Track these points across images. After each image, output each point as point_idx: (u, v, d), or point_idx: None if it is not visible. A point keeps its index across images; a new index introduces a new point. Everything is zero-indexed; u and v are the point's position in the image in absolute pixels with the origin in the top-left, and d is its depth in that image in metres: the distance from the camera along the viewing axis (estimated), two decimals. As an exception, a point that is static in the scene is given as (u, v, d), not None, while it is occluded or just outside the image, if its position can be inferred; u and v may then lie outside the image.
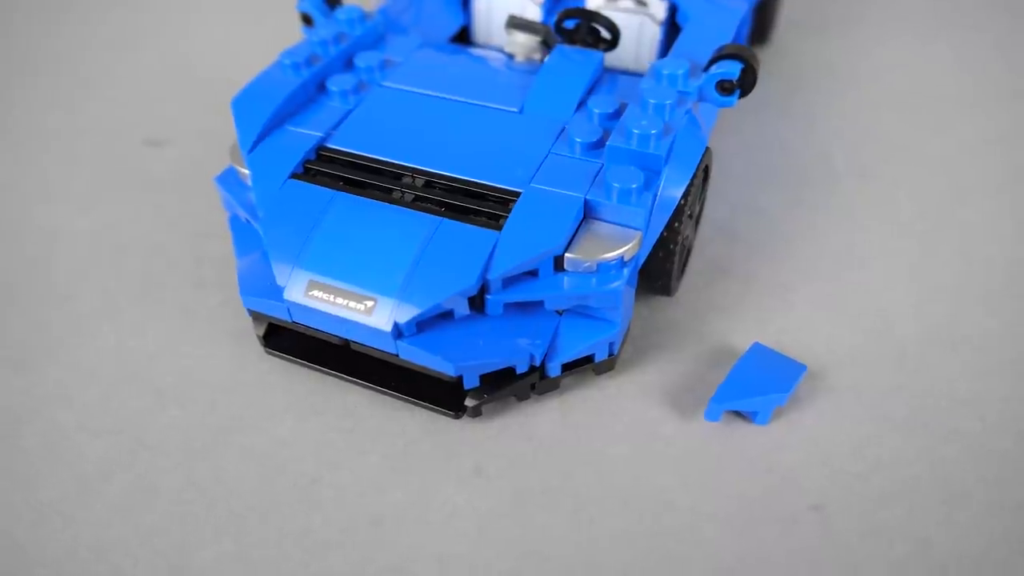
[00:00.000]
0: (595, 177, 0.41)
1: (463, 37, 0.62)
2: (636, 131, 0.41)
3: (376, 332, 0.39)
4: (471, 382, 0.41)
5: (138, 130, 0.65)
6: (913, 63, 0.71)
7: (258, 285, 0.43)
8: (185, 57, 0.74)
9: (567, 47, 0.49)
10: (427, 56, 0.52)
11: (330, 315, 0.40)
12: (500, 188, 0.42)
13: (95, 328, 0.49)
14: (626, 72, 0.54)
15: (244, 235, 0.47)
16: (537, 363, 0.41)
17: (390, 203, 0.42)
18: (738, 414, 0.43)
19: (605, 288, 0.40)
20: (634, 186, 0.40)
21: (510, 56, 0.54)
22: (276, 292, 0.42)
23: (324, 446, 0.42)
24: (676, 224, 0.44)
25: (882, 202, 0.56)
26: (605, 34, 0.50)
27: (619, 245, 0.40)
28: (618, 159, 0.41)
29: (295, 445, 0.43)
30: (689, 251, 0.51)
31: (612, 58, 0.59)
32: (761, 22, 0.70)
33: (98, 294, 0.51)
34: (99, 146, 0.64)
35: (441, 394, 0.43)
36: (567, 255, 0.39)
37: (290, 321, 0.42)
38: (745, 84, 0.45)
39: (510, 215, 0.40)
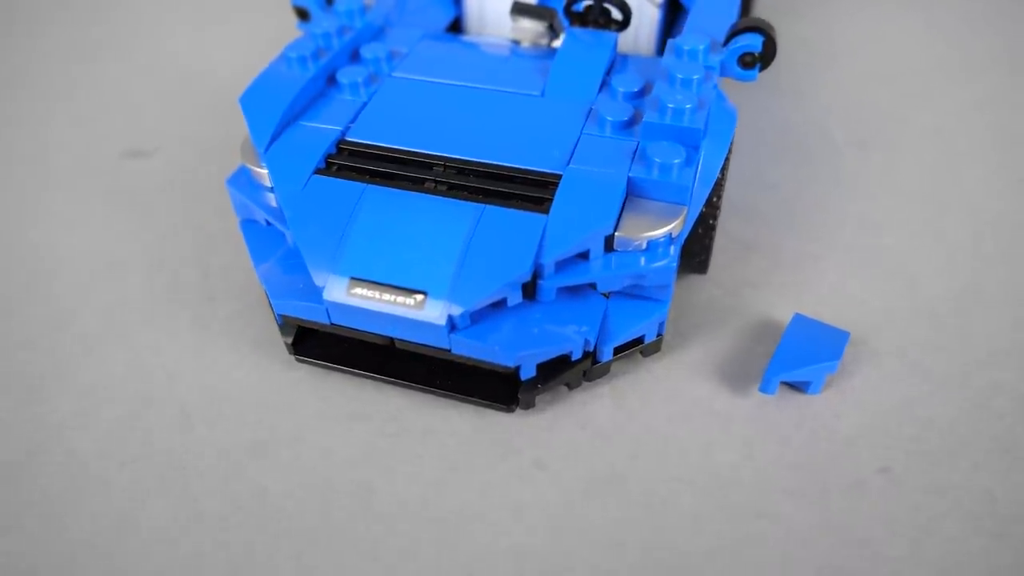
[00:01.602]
0: (634, 155, 0.41)
1: (455, 30, 0.61)
2: (671, 105, 0.40)
3: (428, 327, 0.37)
4: (528, 372, 0.39)
5: (117, 142, 0.61)
6: (887, 36, 0.72)
7: (289, 288, 0.40)
8: (155, 63, 0.70)
9: (580, 29, 0.49)
10: (434, 46, 0.50)
11: (375, 313, 0.38)
12: (538, 172, 0.40)
13: (105, 349, 0.46)
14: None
15: (260, 239, 0.45)
16: (591, 348, 0.40)
17: (426, 192, 0.40)
18: (789, 385, 0.43)
19: (656, 266, 0.39)
20: (676, 161, 0.39)
21: (516, 42, 0.53)
22: (311, 294, 0.40)
23: (373, 453, 0.40)
24: (715, 199, 0.44)
25: (886, 171, 0.57)
26: (617, 15, 0.50)
27: (667, 222, 0.39)
28: (655, 135, 0.41)
29: (341, 454, 0.40)
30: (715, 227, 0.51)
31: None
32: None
33: (103, 314, 0.48)
34: (78, 161, 0.60)
35: (492, 388, 0.41)
36: (617, 234, 0.38)
37: (328, 324, 0.40)
38: (766, 57, 0.45)
39: (555, 198, 0.39)
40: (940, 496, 0.38)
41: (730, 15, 0.50)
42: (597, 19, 0.49)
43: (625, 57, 0.49)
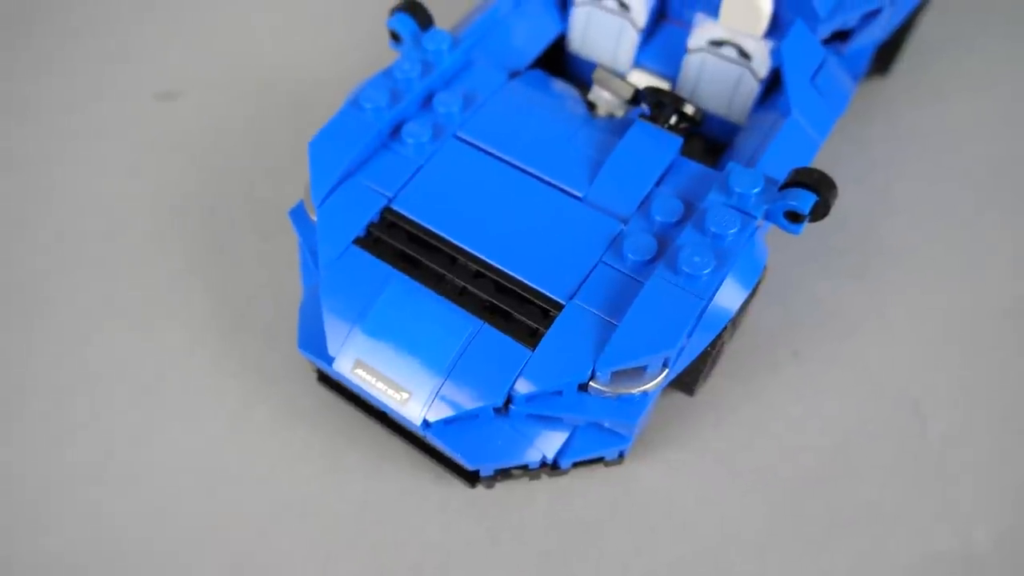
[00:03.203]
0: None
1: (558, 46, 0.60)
2: (686, 269, 0.41)
3: (408, 419, 0.43)
4: (487, 472, 0.45)
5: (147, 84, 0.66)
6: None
7: (314, 342, 0.46)
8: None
9: (645, 127, 0.48)
10: (508, 100, 0.51)
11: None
12: (544, 296, 0.43)
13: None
14: (716, 119, 0.53)
15: (310, 264, 0.50)
16: (549, 462, 0.45)
17: (440, 291, 0.44)
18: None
19: (624, 418, 0.42)
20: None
21: (591, 105, 0.52)
22: (328, 356, 0.46)
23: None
24: (722, 336, 0.45)
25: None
26: (689, 115, 0.48)
27: (644, 381, 0.42)
28: (662, 292, 0.42)
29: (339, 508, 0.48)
30: (720, 352, 0.51)
31: (706, 98, 0.56)
32: (883, 50, 0.64)
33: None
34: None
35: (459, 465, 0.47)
36: (591, 384, 0.41)
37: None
38: (815, 216, 0.44)
39: (546, 335, 0.42)
40: None
41: (805, 151, 0.48)
42: (668, 120, 0.48)
43: (688, 165, 0.48)
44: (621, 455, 0.46)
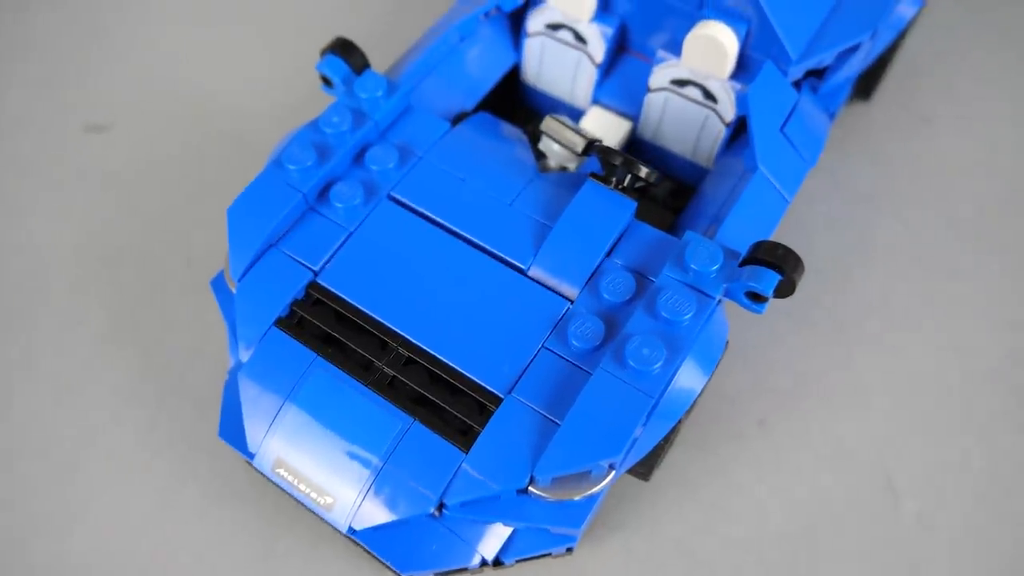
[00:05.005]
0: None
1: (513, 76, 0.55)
2: (633, 364, 0.37)
3: (334, 524, 0.40)
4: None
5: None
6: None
7: (238, 429, 0.42)
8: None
9: (598, 187, 0.43)
10: (449, 153, 0.46)
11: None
12: (481, 388, 0.39)
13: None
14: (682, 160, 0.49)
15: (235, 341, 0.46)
16: (490, 563, 0.41)
17: (368, 382, 0.40)
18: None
19: (567, 524, 0.39)
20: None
21: (541, 155, 0.48)
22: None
23: None
24: (677, 424, 0.41)
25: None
26: (643, 178, 0.43)
27: (588, 486, 0.38)
28: (607, 390, 0.38)
29: None
30: (677, 431, 0.47)
31: (670, 139, 0.52)
32: (865, 74, 0.59)
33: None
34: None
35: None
36: (531, 489, 0.38)
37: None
38: (780, 294, 0.40)
39: (481, 434, 0.38)
40: None
41: (772, 212, 0.44)
42: (621, 181, 0.44)
43: (639, 229, 0.43)
44: (569, 549, 0.43)
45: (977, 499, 0.46)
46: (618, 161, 0.43)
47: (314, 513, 0.44)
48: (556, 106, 0.56)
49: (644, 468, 0.45)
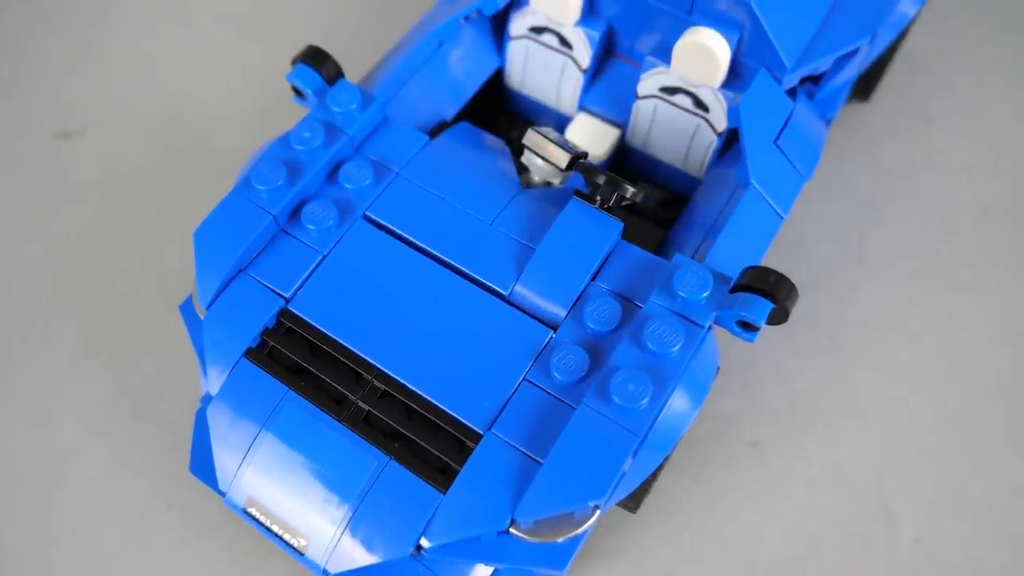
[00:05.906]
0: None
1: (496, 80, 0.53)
2: (618, 400, 0.36)
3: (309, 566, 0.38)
4: (403, 616, 0.40)
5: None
6: None
7: (207, 465, 0.41)
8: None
9: (583, 206, 0.41)
10: (427, 168, 0.44)
11: (268, 530, 0.39)
12: (460, 424, 0.38)
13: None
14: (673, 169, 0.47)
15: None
16: (473, 604, 0.40)
17: (341, 418, 0.38)
18: None
19: (550, 566, 0.37)
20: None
21: (524, 168, 0.46)
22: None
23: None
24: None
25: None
26: (629, 198, 0.41)
27: (572, 526, 0.36)
28: (591, 426, 0.36)
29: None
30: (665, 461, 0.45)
31: (660, 148, 0.49)
32: (864, 75, 0.57)
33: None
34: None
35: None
36: (511, 530, 0.36)
37: None
38: (773, 322, 0.38)
39: (459, 474, 0.36)
40: None
41: (766, 231, 0.42)
42: (607, 200, 0.41)
43: (625, 250, 0.41)
44: (556, 580, 0.42)
45: (976, 525, 0.45)
46: (601, 180, 0.41)
47: (289, 555, 0.43)
48: (541, 111, 0.53)
49: (632, 502, 0.43)
